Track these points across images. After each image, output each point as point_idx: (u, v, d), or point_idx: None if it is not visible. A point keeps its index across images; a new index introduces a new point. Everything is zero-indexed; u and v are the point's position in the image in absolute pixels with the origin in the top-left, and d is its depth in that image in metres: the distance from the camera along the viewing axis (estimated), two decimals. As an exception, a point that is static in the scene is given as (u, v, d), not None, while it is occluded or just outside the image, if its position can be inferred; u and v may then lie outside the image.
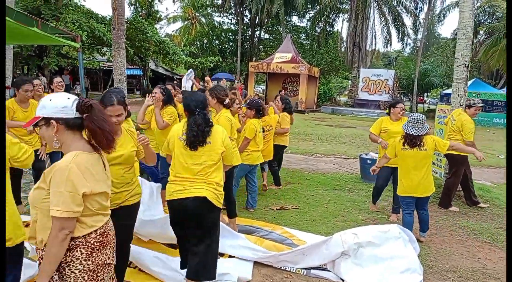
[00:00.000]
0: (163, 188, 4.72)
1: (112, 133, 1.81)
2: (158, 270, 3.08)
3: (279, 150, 6.09)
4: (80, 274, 1.72)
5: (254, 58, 31.79)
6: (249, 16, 32.44)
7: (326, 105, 25.83)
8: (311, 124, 16.16)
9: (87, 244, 1.74)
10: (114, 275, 1.95)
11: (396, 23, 27.65)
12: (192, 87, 9.58)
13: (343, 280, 3.27)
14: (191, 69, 10.52)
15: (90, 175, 1.71)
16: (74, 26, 14.35)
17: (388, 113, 5.09)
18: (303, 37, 33.85)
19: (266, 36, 35.57)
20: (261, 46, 34.99)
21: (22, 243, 2.18)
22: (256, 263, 3.46)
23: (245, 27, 32.88)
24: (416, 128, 3.94)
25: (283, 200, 5.44)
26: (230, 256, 3.52)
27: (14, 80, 4.50)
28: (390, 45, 29.53)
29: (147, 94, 4.73)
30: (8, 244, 2.04)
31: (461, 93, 5.65)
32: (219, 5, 31.94)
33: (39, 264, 1.76)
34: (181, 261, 2.95)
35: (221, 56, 30.19)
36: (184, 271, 3.03)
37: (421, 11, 27.05)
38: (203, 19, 36.84)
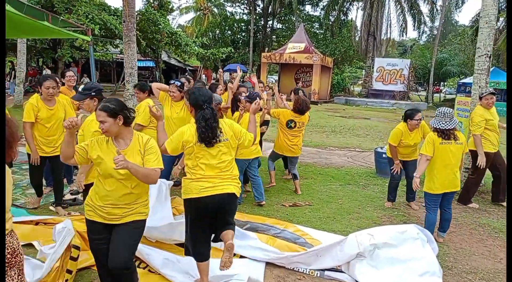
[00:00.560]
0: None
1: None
2: (169, 273, 3.02)
3: None
4: None
5: (266, 49, 31.51)
6: (261, 5, 32.07)
7: (339, 96, 25.47)
8: (324, 116, 15.93)
9: None
10: None
11: (412, 11, 26.94)
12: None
13: (358, 282, 3.17)
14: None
15: None
16: (86, 19, 14.35)
17: (404, 120, 4.82)
18: (316, 26, 33.32)
19: (279, 26, 35.13)
20: (273, 36, 34.62)
21: None
22: (268, 264, 3.37)
23: (257, 17, 32.52)
24: (444, 122, 3.82)
25: (296, 196, 5.33)
26: (242, 256, 3.44)
27: (38, 78, 4.44)
28: (406, 33, 28.95)
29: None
30: None
31: (483, 84, 5.40)
32: (232, -6, 31.66)
33: None
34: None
35: (233, 47, 29.97)
36: (195, 272, 2.98)
37: (439, -2, 26.27)
38: (215, 10, 36.59)
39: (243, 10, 34.48)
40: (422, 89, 32.20)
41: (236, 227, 3.40)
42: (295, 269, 3.33)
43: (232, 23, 33.98)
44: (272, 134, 7.83)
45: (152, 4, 22.21)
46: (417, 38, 42.19)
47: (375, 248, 3.21)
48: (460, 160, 3.95)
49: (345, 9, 29.84)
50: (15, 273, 1.81)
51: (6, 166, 1.71)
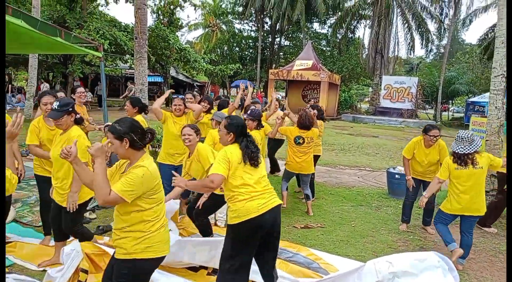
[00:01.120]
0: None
1: None
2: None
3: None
4: None
5: (274, 65, 31.66)
6: (269, 23, 32.37)
7: (347, 113, 25.38)
8: (332, 133, 15.83)
9: None
10: None
11: (420, 29, 27.03)
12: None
13: (376, 313, 3.01)
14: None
15: None
16: (97, 35, 14.54)
17: (424, 133, 4.72)
18: (323, 43, 33.51)
19: (287, 43, 35.39)
20: (281, 53, 34.85)
21: None
22: (282, 290, 3.23)
23: (265, 34, 32.83)
24: (462, 146, 3.75)
25: (307, 217, 5.19)
26: (254, 282, 3.30)
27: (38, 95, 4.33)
28: (413, 51, 28.92)
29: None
30: None
31: (499, 105, 5.30)
32: (240, 12, 31.99)
33: None
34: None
35: (241, 63, 30.20)
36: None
37: (446, 16, 26.37)
38: (223, 26, 37.03)
39: (251, 27, 34.85)
40: (429, 107, 32.05)
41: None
42: (310, 297, 3.18)
43: (240, 40, 34.31)
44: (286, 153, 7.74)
45: (162, 21, 22.56)
46: (424, 56, 42.32)
47: (394, 276, 3.07)
48: (481, 184, 3.83)
49: (352, 27, 30.03)
50: None
51: None
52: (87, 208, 4.89)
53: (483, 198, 3.88)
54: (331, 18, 31.75)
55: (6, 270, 3.15)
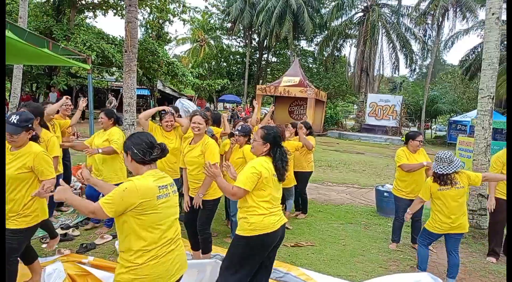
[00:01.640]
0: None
1: None
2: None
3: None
4: None
5: (261, 81, 31.92)
6: (257, 39, 32.79)
7: (332, 130, 25.64)
8: (319, 149, 15.88)
9: None
10: None
11: (404, 50, 27.73)
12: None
13: None
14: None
15: None
16: (84, 47, 14.40)
17: (405, 143, 4.86)
18: (310, 61, 34.07)
19: (274, 59, 35.85)
20: (268, 69, 35.21)
21: None
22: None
23: (253, 50, 33.18)
24: (441, 166, 3.77)
25: (297, 235, 5.12)
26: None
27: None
28: (398, 71, 29.59)
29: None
30: None
31: (486, 125, 5.38)
32: (228, 28, 32.32)
33: None
34: None
35: (228, 78, 30.35)
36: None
37: (429, 38, 27.14)
38: (211, 41, 37.29)
39: (239, 43, 35.23)
40: (412, 125, 32.67)
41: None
42: (302, 319, 3.09)
43: (228, 55, 34.58)
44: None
45: (151, 35, 22.56)
46: (407, 76, 43.30)
47: (388, 298, 3.01)
48: (463, 203, 3.86)
49: (338, 46, 30.63)
50: None
51: None
52: (70, 225, 4.73)
53: (466, 215, 3.92)
54: (318, 37, 32.39)
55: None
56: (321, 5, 29.99)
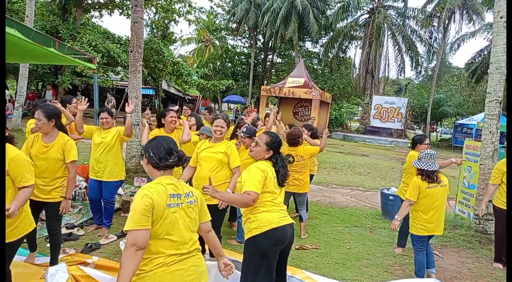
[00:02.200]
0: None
1: None
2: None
3: None
4: None
5: (265, 82, 31.89)
6: (262, 40, 32.74)
7: (337, 132, 25.57)
8: (324, 151, 15.78)
9: None
10: None
11: (410, 52, 27.60)
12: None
13: None
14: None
15: None
16: (89, 47, 14.43)
17: (413, 148, 4.83)
18: (315, 62, 33.96)
19: (279, 60, 35.77)
20: (273, 70, 35.16)
21: None
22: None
23: (258, 51, 33.13)
24: (431, 164, 3.78)
25: (302, 238, 5.09)
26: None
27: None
28: (404, 73, 29.44)
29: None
30: None
31: (493, 130, 5.33)
32: (234, 28, 32.32)
33: None
34: None
35: (233, 78, 30.34)
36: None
37: (435, 40, 27.00)
38: (216, 42, 37.32)
39: (244, 43, 35.19)
40: (417, 127, 32.52)
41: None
42: (307, 324, 3.06)
43: (233, 56, 34.55)
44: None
45: (156, 35, 22.60)
46: (412, 78, 43.13)
47: (394, 304, 2.98)
48: (445, 202, 3.92)
49: (344, 47, 30.54)
50: None
51: None
52: (75, 224, 4.73)
53: (442, 217, 3.96)
54: (323, 38, 32.28)
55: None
56: (327, 7, 29.88)
